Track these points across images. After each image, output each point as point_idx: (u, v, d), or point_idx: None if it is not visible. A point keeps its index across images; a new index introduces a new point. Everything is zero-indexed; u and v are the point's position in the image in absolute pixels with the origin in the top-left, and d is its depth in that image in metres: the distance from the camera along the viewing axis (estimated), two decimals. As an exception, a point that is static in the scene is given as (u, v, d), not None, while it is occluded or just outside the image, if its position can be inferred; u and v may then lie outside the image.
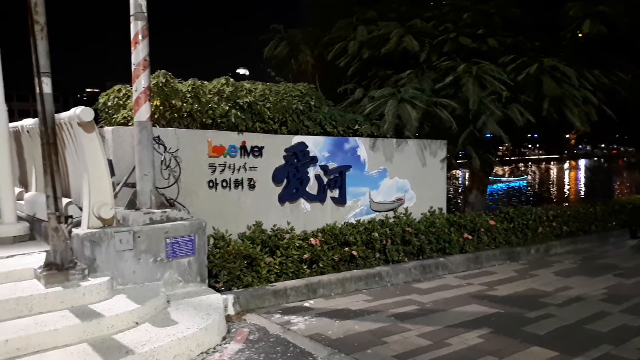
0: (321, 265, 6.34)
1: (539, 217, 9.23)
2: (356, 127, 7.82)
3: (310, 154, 7.22)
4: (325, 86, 9.17)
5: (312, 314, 5.32)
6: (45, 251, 4.88)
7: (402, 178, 8.33)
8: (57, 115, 4.73)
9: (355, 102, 9.05)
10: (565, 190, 35.62)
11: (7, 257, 4.93)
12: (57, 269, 4.43)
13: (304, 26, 11.43)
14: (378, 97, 8.16)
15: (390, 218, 7.93)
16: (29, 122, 6.31)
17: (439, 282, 6.83)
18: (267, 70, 10.54)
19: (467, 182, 13.71)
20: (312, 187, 7.29)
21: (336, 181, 7.52)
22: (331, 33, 10.30)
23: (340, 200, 7.60)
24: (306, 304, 5.70)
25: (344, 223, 7.44)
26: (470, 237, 7.95)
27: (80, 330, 3.90)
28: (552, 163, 65.65)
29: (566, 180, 45.53)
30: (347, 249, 6.66)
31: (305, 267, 6.23)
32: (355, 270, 6.54)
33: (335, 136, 7.54)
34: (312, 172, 7.28)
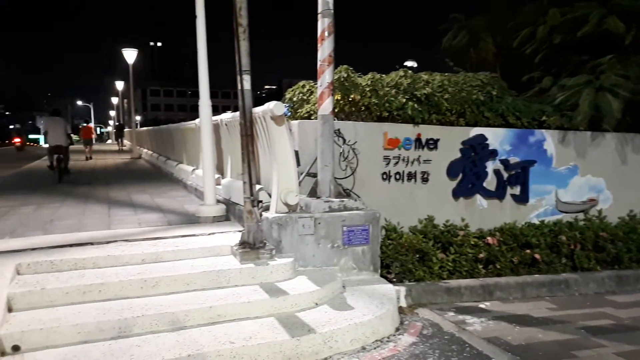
0: (498, 267, 5.99)
1: None
2: (543, 118, 7.18)
3: (490, 147, 6.84)
4: (507, 75, 8.60)
5: (488, 316, 5.06)
6: (239, 231, 5.44)
7: (595, 176, 7.42)
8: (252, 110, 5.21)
9: (541, 92, 8.31)
10: None
11: (209, 234, 5.59)
12: (250, 247, 4.88)
13: (484, 14, 10.84)
14: (570, 85, 7.38)
15: (580, 220, 7.14)
16: (227, 116, 7.07)
17: (639, 296, 5.94)
18: (444, 61, 10.29)
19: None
20: (489, 183, 6.91)
21: (517, 177, 7.02)
22: (516, 19, 9.60)
23: (522, 198, 7.07)
24: (481, 306, 5.44)
25: (525, 223, 6.92)
26: (683, 248, 6.74)
27: (268, 305, 4.25)
28: None
29: None
30: (528, 251, 6.18)
31: (480, 266, 5.95)
32: (537, 275, 6.03)
33: (519, 128, 7.03)
34: (490, 166, 6.90)
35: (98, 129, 79.42)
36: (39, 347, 3.52)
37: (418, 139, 6.48)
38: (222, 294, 4.32)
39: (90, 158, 20.25)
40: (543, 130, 7.14)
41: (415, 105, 6.33)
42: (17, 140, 43.28)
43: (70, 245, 4.91)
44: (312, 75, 6.79)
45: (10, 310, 3.85)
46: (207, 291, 4.39)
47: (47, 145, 12.35)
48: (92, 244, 5.00)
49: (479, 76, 7.16)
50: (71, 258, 4.53)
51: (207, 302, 4.14)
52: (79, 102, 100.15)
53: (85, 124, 22.11)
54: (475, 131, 6.79)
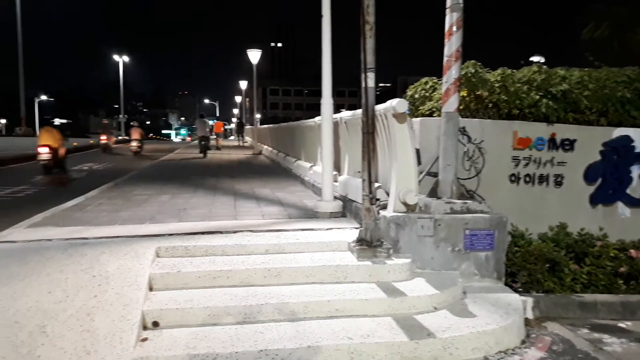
0: (642, 283, 5.34)
1: None
2: None
3: (636, 150, 6.16)
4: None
5: (630, 338, 4.53)
6: (356, 228, 5.46)
7: None
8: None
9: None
10: None
11: (327, 229, 5.67)
12: (367, 245, 4.86)
13: (631, 2, 9.71)
14: None
15: None
16: (346, 114, 7.13)
17: None
18: (584, 55, 9.40)
19: None
20: (634, 189, 6.21)
21: (669, 184, 6.20)
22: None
23: (674, 208, 6.24)
24: (621, 325, 4.89)
25: (677, 236, 6.07)
26: None
27: (385, 304, 4.20)
28: None
29: None
30: (680, 268, 5.43)
31: (620, 282, 5.36)
32: (691, 297, 5.28)
33: (673, 130, 6.21)
34: (636, 171, 6.21)
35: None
36: (174, 325, 3.82)
37: (552, 139, 6.00)
38: (340, 289, 4.35)
39: (219, 148, 25.23)
40: None
41: (550, 102, 5.86)
42: (189, 138, 65.25)
43: (202, 233, 5.28)
44: (429, 72, 6.63)
45: (151, 289, 4.23)
46: (325, 285, 4.45)
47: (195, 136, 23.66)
48: (221, 232, 5.34)
49: (625, 71, 6.44)
50: (203, 245, 4.87)
51: (326, 296, 4.20)
52: (206, 101, 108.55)
53: (216, 121, 29.43)
54: (619, 132, 6.13)
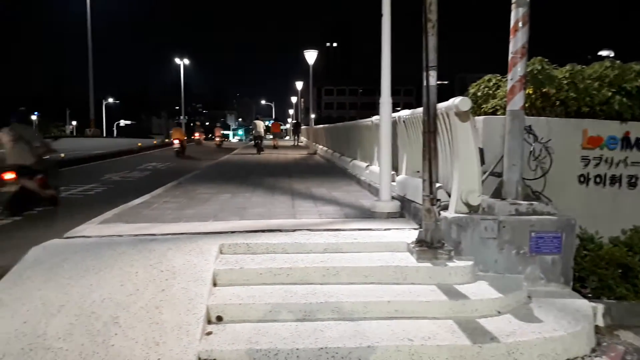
0: None
1: None
2: None
3: None
4: None
5: None
6: (414, 229, 5.39)
7: None
8: (435, 105, 5.07)
9: None
10: None
11: (385, 229, 5.62)
12: (427, 246, 4.78)
13: None
14: None
15: None
16: (405, 113, 7.05)
17: None
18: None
19: None
20: None
21: None
22: None
23: None
24: (703, 337, 4.55)
25: None
26: None
27: (446, 306, 4.12)
28: None
29: None
30: None
31: (701, 290, 4.98)
32: None
33: None
34: None
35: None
36: (236, 320, 3.92)
37: (626, 138, 5.69)
38: (399, 290, 4.32)
39: (276, 147, 27.93)
40: None
41: (624, 99, 5.55)
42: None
43: (263, 231, 5.39)
44: (489, 69, 6.45)
45: (214, 284, 4.36)
46: (384, 285, 4.42)
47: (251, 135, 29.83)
48: (280, 230, 5.43)
49: None
50: (263, 242, 4.97)
51: (385, 296, 4.18)
52: (262, 102, 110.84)
53: (273, 122, 33.15)
54: (701, 129, 5.70)
